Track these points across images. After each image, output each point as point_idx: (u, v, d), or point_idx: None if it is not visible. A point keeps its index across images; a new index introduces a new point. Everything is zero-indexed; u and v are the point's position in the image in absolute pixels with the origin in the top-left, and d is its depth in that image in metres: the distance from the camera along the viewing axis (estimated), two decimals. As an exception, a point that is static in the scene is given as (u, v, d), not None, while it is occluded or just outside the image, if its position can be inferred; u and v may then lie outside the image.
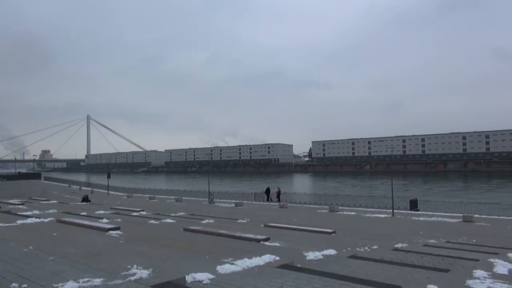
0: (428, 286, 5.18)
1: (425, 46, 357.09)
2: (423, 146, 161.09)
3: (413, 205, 28.23)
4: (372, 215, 23.41)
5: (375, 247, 9.84)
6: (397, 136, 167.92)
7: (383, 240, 11.93)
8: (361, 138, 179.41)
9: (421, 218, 21.97)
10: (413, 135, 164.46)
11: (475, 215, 22.41)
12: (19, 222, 11.73)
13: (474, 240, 13.54)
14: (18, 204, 21.30)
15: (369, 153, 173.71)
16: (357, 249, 9.35)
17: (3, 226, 10.72)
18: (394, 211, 24.90)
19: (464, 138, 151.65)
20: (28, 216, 13.38)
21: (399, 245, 10.63)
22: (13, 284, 4.57)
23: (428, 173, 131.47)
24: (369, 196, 34.74)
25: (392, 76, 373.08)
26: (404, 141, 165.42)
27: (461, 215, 22.72)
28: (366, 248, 9.59)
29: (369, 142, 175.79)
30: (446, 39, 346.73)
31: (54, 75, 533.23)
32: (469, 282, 5.67)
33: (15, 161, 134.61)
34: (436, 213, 24.93)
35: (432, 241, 12.54)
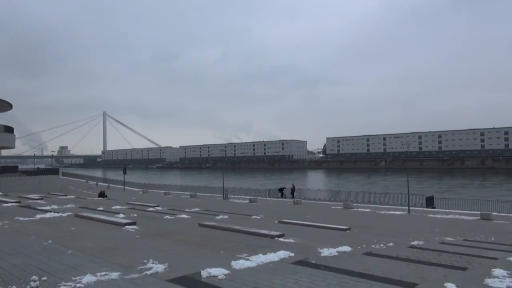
0: (445, 284, 5.10)
1: (440, 41, 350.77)
2: (439, 142, 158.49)
3: (430, 202, 27.87)
4: (388, 212, 23.19)
5: (391, 244, 9.74)
6: (413, 133, 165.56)
7: (398, 237, 11.80)
8: (376, 135, 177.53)
9: (438, 216, 21.67)
10: (430, 131, 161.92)
11: (493, 213, 22.00)
12: (39, 216, 11.98)
13: (492, 238, 13.29)
14: (37, 199, 21.77)
15: (384, 149, 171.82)
16: (372, 246, 9.27)
17: (23, 220, 10.97)
18: (410, 208, 24.62)
19: (482, 134, 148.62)
20: (47, 211, 13.64)
21: (415, 243, 10.50)
22: (33, 277, 4.67)
23: (444, 170, 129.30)
24: (384, 193, 34.40)
25: (407, 72, 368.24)
26: (420, 137, 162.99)
27: (479, 212, 22.33)
28: (382, 245, 9.50)
29: (384, 139, 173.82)
30: (461, 33, 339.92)
31: (71, 72, 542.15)
32: (488, 280, 5.56)
33: (34, 157, 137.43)
34: (453, 211, 24.55)
35: (449, 238, 12.35)
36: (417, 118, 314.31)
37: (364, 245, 9.13)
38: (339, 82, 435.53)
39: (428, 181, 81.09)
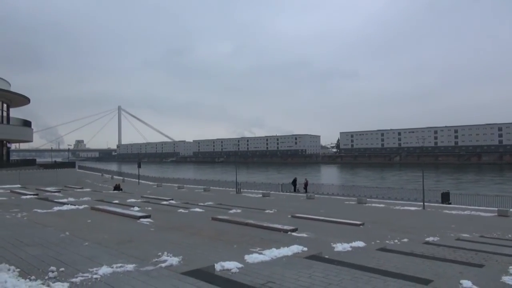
0: (461, 281, 5.04)
1: (456, 33, 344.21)
2: (456, 137, 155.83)
3: (445, 198, 27.48)
4: (402, 208, 22.96)
5: (405, 240, 9.65)
6: (428, 127, 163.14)
7: (413, 233, 11.69)
8: (391, 129, 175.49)
9: (454, 212, 21.36)
10: (446, 126, 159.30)
11: (511, 209, 21.56)
12: (56, 208, 12.22)
13: (510, 235, 13.06)
14: (55, 192, 22.19)
15: (399, 144, 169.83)
16: (387, 241, 9.20)
17: (41, 212, 11.20)
18: (425, 204, 24.31)
19: (500, 129, 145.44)
20: (64, 203, 13.90)
21: (430, 239, 10.38)
22: (51, 267, 4.77)
23: (461, 165, 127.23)
24: (399, 188, 34.06)
25: (423, 65, 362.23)
26: (436, 132, 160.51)
27: (496, 209, 21.94)
28: (396, 241, 9.42)
29: (399, 133, 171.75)
30: (477, 26, 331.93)
31: (87, 67, 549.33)
32: (505, 278, 5.47)
33: (51, 150, 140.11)
34: (469, 207, 24.15)
35: (465, 235, 12.18)
36: (432, 112, 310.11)
37: (378, 241, 9.07)
38: (352, 76, 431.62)
39: (443, 177, 79.98)
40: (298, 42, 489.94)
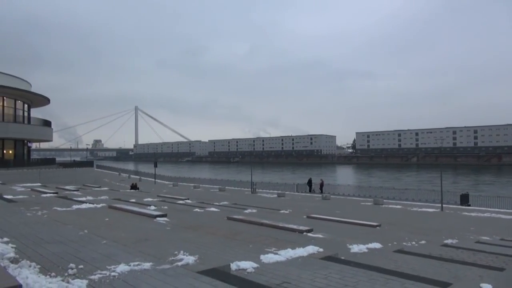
0: (481, 284, 4.94)
1: (475, 32, 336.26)
2: (475, 138, 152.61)
3: (464, 200, 26.96)
4: (419, 209, 22.60)
5: (423, 242, 9.51)
6: (447, 128, 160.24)
7: (431, 235, 11.51)
8: (408, 130, 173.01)
9: (473, 214, 20.93)
10: (465, 127, 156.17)
11: (533, 212, 21.02)
12: (75, 207, 12.44)
13: (532, 239, 12.71)
14: (73, 190, 22.60)
15: (417, 145, 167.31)
16: (404, 243, 9.08)
17: (60, 210, 11.43)
18: (443, 205, 23.88)
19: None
20: (82, 202, 14.13)
21: (448, 241, 10.21)
22: (71, 264, 4.86)
23: (480, 166, 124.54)
24: (416, 189, 33.56)
25: (440, 64, 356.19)
26: (454, 132, 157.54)
27: (517, 211, 21.41)
28: (413, 242, 9.29)
29: (416, 134, 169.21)
30: (497, 24, 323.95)
31: (104, 68, 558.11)
32: (527, 282, 5.34)
33: (70, 150, 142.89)
34: (489, 209, 23.65)
35: (484, 238, 11.92)
36: (451, 112, 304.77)
37: (395, 242, 8.96)
38: (369, 76, 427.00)
39: (462, 178, 78.43)
40: (315, 42, 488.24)
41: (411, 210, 22.40)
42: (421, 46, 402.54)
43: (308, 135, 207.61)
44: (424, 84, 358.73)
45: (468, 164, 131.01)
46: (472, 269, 6.15)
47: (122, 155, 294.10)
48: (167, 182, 47.46)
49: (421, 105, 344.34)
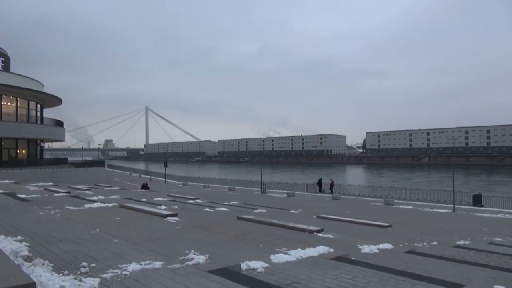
0: (494, 286, 4.87)
1: (487, 31, 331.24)
2: (488, 138, 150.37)
3: (477, 200, 26.59)
4: (431, 210, 22.35)
5: (435, 243, 9.41)
6: (459, 127, 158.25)
7: (443, 236, 11.38)
8: (419, 129, 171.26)
9: (486, 215, 20.63)
10: (477, 126, 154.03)
11: (548, 213, 20.64)
12: (87, 206, 12.58)
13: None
14: (85, 190, 22.86)
15: (428, 144, 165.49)
16: (415, 244, 9.00)
17: (73, 209, 11.57)
18: (455, 206, 23.58)
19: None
20: (94, 201, 14.28)
21: (461, 242, 10.08)
22: (83, 263, 4.92)
23: (493, 167, 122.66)
24: (428, 189, 33.20)
25: (452, 63, 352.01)
26: (466, 132, 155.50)
27: (532, 212, 21.05)
28: (425, 243, 9.20)
29: (428, 133, 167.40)
30: (508, 22, 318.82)
31: (115, 68, 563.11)
32: (542, 284, 5.25)
33: (82, 149, 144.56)
34: (502, 210, 23.29)
35: (498, 239, 11.74)
36: (463, 112, 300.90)
37: (406, 243, 8.88)
38: (380, 75, 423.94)
39: (475, 178, 77.39)
40: (323, 41, 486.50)
41: (422, 210, 22.17)
42: (431, 44, 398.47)
43: (318, 135, 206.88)
44: (435, 83, 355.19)
45: (481, 164, 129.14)
46: (485, 270, 6.07)
47: (132, 154, 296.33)
48: (177, 182, 47.70)
49: (433, 105, 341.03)
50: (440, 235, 11.54)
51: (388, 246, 7.86)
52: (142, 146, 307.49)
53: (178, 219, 10.35)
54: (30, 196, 15.77)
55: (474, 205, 26.06)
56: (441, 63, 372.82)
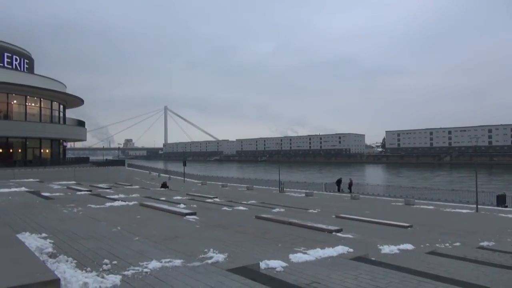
0: (520, 289, 4.74)
1: (510, 25, 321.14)
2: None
3: (501, 200, 25.91)
4: (453, 210, 21.88)
5: (457, 244, 9.21)
6: (482, 126, 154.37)
7: (466, 237, 11.13)
8: (441, 128, 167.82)
9: (510, 215, 20.07)
10: (501, 124, 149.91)
11: None
12: (108, 204, 12.81)
13: None
14: (106, 188, 23.28)
15: (449, 143, 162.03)
16: (437, 245, 8.83)
17: (94, 208, 11.80)
18: (479, 206, 23.02)
19: None
20: (115, 199, 14.53)
21: (484, 243, 9.84)
22: (105, 260, 5.02)
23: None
24: (449, 189, 32.52)
25: (475, 61, 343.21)
26: (490, 131, 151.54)
27: (559, 213, 20.36)
28: (447, 244, 9.01)
29: (449, 132, 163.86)
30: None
31: (133, 69, 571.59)
32: None
33: (103, 149, 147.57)
34: (528, 211, 22.61)
35: (523, 240, 11.41)
36: (486, 110, 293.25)
37: (427, 244, 8.73)
38: (400, 73, 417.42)
39: (497, 178, 75.37)
40: (342, 39, 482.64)
41: (444, 210, 21.72)
42: (453, 42, 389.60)
43: (336, 134, 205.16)
44: (457, 80, 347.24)
45: (505, 164, 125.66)
46: (510, 273, 5.91)
47: (152, 154, 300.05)
48: (195, 181, 48.08)
49: (454, 103, 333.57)
50: (463, 236, 11.29)
51: (408, 246, 7.75)
52: (161, 146, 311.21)
53: (197, 217, 10.43)
54: (54, 194, 16.16)
55: (498, 205, 25.41)
56: (463, 61, 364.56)
